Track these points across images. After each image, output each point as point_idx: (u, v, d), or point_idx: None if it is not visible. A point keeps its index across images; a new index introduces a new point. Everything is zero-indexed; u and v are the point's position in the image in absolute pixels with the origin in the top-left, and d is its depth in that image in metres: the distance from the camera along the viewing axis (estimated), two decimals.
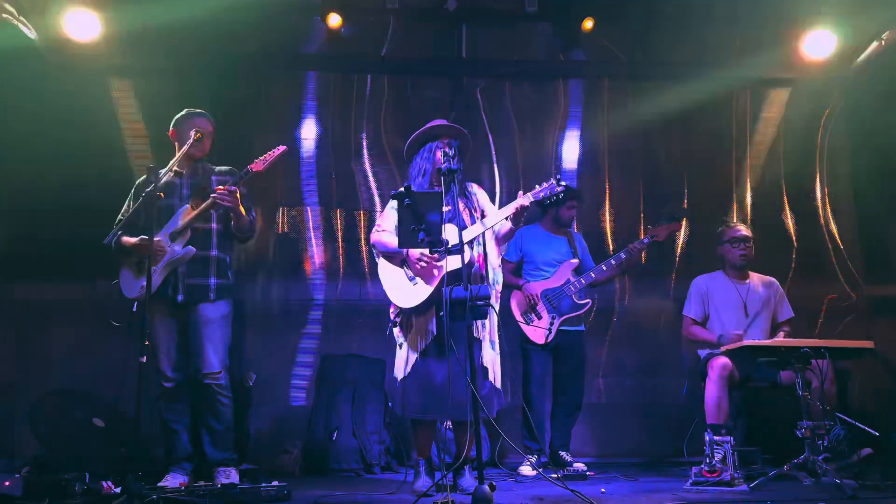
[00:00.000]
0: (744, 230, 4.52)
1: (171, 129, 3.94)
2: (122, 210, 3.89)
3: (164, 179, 3.73)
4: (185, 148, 3.72)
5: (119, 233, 3.72)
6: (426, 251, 3.44)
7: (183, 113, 3.94)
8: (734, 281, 4.50)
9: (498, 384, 3.58)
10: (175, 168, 3.82)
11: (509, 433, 3.49)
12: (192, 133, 3.75)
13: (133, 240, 3.71)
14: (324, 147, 5.66)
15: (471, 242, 3.50)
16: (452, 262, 3.41)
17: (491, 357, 3.56)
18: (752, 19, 5.67)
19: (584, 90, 5.84)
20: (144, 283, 3.41)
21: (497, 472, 4.36)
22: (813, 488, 3.49)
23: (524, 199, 3.47)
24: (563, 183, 3.50)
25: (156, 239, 3.58)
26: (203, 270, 3.77)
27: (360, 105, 5.69)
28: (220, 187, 3.67)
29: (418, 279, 3.55)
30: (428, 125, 3.76)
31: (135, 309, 3.69)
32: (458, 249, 3.23)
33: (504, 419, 4.91)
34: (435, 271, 3.49)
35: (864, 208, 5.65)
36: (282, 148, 3.81)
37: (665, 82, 5.77)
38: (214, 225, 3.84)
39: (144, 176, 3.81)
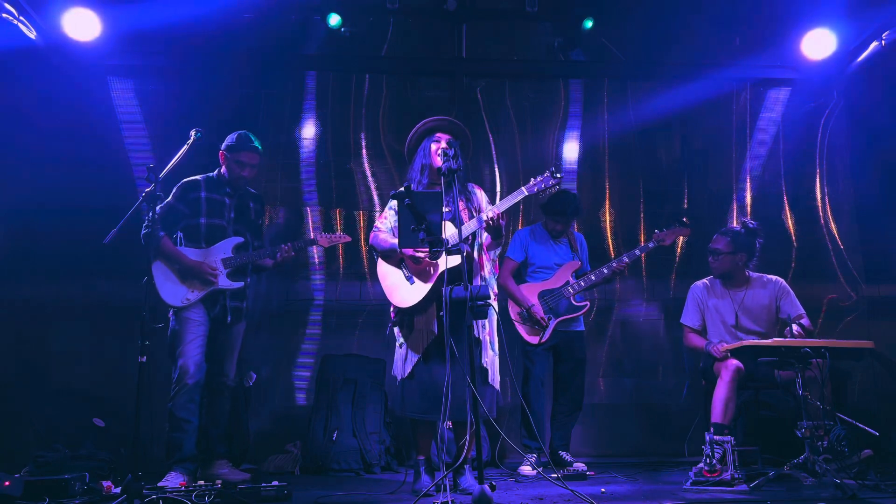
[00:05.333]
0: (718, 243, 4.39)
1: (221, 151, 4.09)
2: (157, 209, 3.90)
3: (214, 197, 4.05)
4: (183, 149, 3.70)
5: (162, 234, 3.91)
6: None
7: (234, 142, 4.07)
8: (729, 288, 4.43)
9: (496, 385, 3.59)
10: (228, 190, 4.10)
11: (509, 433, 3.49)
12: (193, 133, 3.75)
13: (190, 258, 3.93)
14: (323, 147, 5.66)
15: (471, 242, 3.51)
16: (450, 260, 3.42)
17: (490, 357, 3.57)
18: (751, 19, 5.67)
19: (584, 90, 5.84)
20: (190, 297, 3.91)
21: (497, 472, 4.36)
22: (813, 488, 3.49)
23: (517, 195, 3.55)
24: (559, 175, 3.54)
25: (210, 263, 3.93)
26: (242, 295, 4.13)
27: (360, 105, 5.69)
28: (291, 251, 4.12)
29: (416, 279, 3.56)
30: (423, 122, 3.77)
31: (171, 314, 3.94)
32: (458, 249, 3.23)
33: (504, 419, 4.92)
34: (431, 269, 3.50)
35: (864, 208, 5.65)
36: (348, 238, 4.40)
37: (665, 82, 5.78)
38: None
39: (194, 178, 4.07)
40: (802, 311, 4.35)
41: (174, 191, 4.03)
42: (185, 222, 4.00)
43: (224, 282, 3.98)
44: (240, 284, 4.04)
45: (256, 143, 4.09)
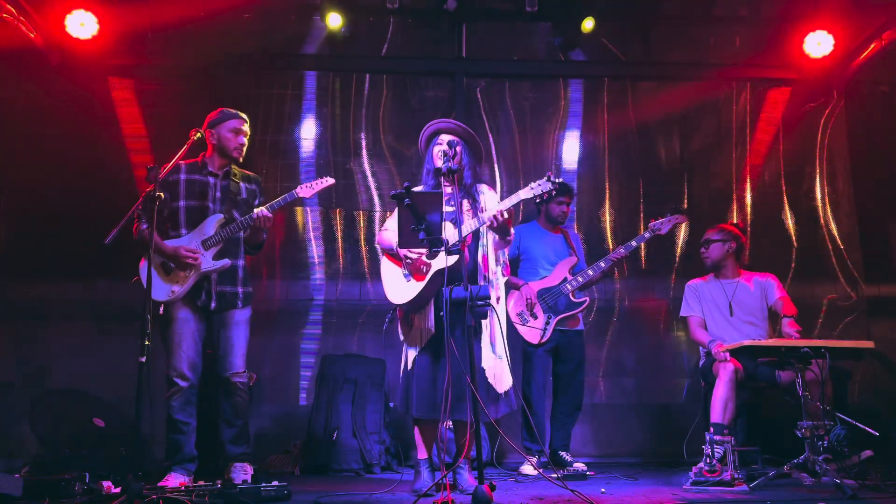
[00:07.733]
0: (710, 233, 4.55)
1: (207, 130, 3.85)
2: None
3: (195, 178, 3.84)
4: (184, 149, 3.68)
5: (144, 227, 3.73)
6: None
7: (220, 115, 3.90)
8: (722, 281, 4.51)
9: (500, 389, 3.51)
10: (211, 169, 3.88)
11: (509, 433, 3.48)
12: (193, 133, 3.74)
13: (168, 246, 3.72)
14: (323, 147, 5.66)
15: (475, 243, 3.50)
16: (442, 261, 3.43)
17: (491, 360, 3.52)
18: (751, 19, 5.68)
19: (584, 90, 5.84)
20: (175, 289, 3.69)
21: (497, 472, 4.36)
22: (813, 488, 3.49)
23: (516, 197, 3.50)
24: (557, 180, 3.46)
25: (189, 247, 3.71)
26: (233, 279, 3.86)
27: (360, 105, 5.69)
28: (265, 211, 3.76)
29: (412, 277, 3.59)
30: (428, 125, 3.77)
31: (161, 311, 3.74)
32: (457, 249, 3.23)
33: (504, 419, 4.90)
34: (425, 268, 3.52)
35: (864, 208, 5.66)
36: (331, 181, 3.96)
37: (665, 82, 5.79)
38: (242, 234, 3.90)
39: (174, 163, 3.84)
40: (781, 293, 4.42)
41: None
42: (167, 209, 3.80)
43: (207, 263, 3.73)
44: (225, 263, 3.77)
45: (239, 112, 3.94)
